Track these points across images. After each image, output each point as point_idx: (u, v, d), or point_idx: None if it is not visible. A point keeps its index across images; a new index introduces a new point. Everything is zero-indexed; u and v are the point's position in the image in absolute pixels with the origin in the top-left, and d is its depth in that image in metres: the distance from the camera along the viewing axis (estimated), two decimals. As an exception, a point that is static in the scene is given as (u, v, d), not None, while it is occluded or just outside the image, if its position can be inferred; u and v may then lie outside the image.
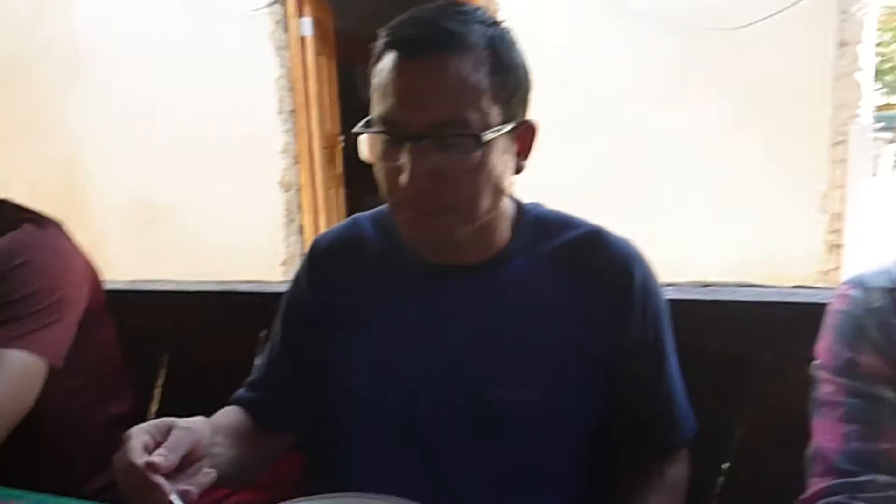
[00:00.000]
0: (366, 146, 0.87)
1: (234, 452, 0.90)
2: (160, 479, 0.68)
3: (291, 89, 4.50)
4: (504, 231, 0.94)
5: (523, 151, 0.89)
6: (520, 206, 0.97)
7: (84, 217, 4.83)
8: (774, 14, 3.59)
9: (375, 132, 0.83)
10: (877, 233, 4.04)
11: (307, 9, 4.41)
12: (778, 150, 3.78)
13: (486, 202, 0.84)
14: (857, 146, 3.59)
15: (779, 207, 3.85)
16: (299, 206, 4.64)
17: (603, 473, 0.98)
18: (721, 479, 1.18)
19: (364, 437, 0.96)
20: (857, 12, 3.64)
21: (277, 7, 4.41)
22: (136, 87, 4.67)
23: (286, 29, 4.43)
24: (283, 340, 1.03)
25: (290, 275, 1.07)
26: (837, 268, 3.69)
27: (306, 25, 4.42)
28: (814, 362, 0.83)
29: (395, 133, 0.81)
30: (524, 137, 0.88)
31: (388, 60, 0.81)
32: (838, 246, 3.67)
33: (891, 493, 0.71)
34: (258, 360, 1.05)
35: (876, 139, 4.04)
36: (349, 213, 1.06)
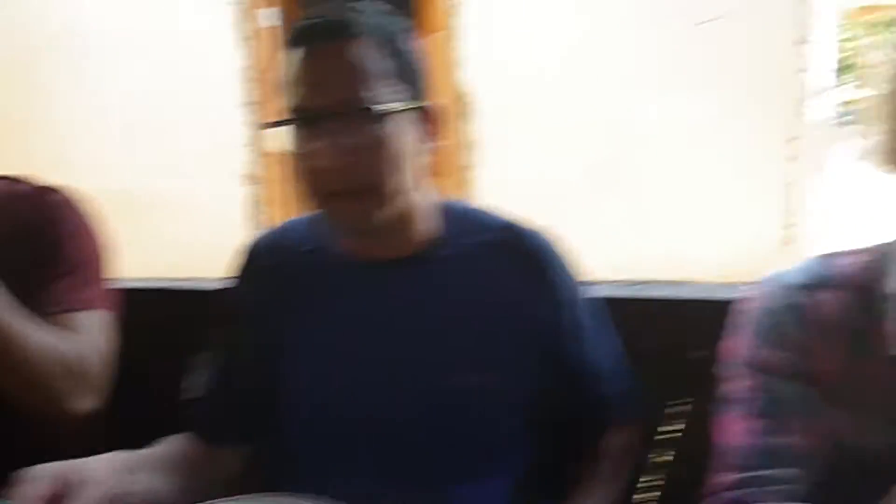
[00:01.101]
0: (287, 141, 0.91)
1: (170, 485, 0.92)
2: None
3: (256, 80, 4.46)
4: (429, 223, 0.97)
5: (430, 135, 0.94)
6: (444, 201, 1.01)
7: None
8: (733, 9, 3.64)
9: (287, 122, 0.88)
10: (831, 228, 4.12)
11: (273, -2, 4.38)
12: (739, 146, 3.83)
13: (397, 181, 0.88)
14: (813, 142, 3.66)
15: (739, 203, 3.90)
16: (264, 200, 4.60)
17: (545, 456, 1.03)
18: (658, 473, 1.22)
19: (314, 437, 0.98)
20: (815, 8, 3.70)
21: (242, -4, 4.37)
22: (97, 80, 4.59)
23: (251, 18, 4.39)
24: (227, 349, 1.04)
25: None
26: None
27: (271, 15, 4.38)
28: (727, 359, 0.85)
29: (305, 119, 0.86)
30: (429, 121, 0.93)
31: (294, 55, 0.88)
32: (793, 241, 3.75)
33: (791, 486, 0.73)
34: (206, 371, 1.06)
35: (836, 134, 4.12)
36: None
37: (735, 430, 0.79)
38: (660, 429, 1.22)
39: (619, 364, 1.04)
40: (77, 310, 1.08)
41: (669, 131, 4.00)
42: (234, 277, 1.05)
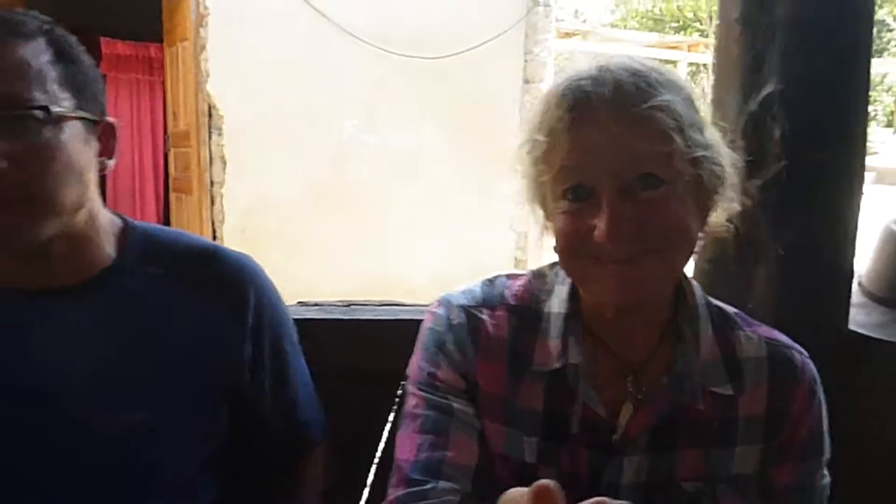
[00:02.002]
0: None
1: None
2: None
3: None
4: (106, 247, 0.91)
5: (106, 151, 0.89)
6: (125, 223, 0.95)
7: None
8: (469, 49, 3.95)
9: None
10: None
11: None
12: (477, 173, 4.14)
13: (68, 193, 0.82)
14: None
15: (477, 225, 4.21)
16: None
17: (234, 492, 0.99)
18: (368, 490, 1.25)
19: None
20: (540, 54, 4.15)
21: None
22: None
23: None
24: None
25: None
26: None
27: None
28: (408, 378, 0.88)
29: None
30: (105, 137, 0.89)
31: None
32: (524, 261, 4.14)
33: (448, 498, 0.76)
34: None
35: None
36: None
37: (406, 445, 0.82)
38: (378, 450, 1.25)
39: (311, 389, 1.05)
40: None
41: (417, 157, 4.20)
42: None
